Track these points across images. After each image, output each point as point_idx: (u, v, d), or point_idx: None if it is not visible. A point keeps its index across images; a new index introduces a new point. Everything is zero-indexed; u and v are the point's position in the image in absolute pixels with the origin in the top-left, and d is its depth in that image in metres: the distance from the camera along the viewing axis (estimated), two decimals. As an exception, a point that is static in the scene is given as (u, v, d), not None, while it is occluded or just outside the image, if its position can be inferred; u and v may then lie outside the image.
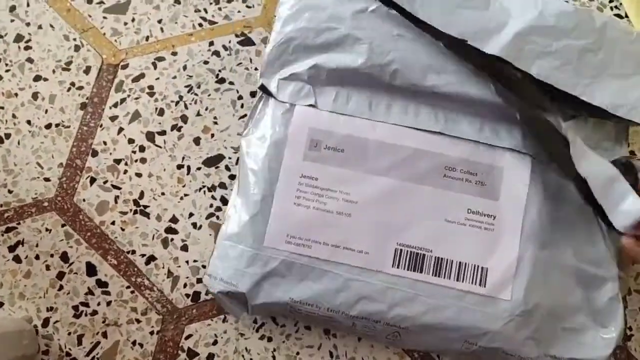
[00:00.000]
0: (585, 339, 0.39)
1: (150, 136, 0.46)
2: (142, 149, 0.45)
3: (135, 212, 0.45)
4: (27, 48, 0.47)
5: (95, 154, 0.45)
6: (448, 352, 0.40)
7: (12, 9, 0.47)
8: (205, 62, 0.47)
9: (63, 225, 0.44)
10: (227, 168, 0.45)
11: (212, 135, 0.46)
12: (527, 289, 0.38)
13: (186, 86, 0.47)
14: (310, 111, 0.40)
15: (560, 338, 0.39)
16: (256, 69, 0.47)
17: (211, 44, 0.47)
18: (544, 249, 0.39)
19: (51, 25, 0.47)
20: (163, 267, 0.44)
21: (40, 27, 0.47)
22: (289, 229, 0.39)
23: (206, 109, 0.46)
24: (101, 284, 0.44)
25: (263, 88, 0.40)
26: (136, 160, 0.45)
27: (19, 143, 0.45)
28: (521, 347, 0.39)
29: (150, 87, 0.46)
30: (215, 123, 0.46)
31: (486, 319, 0.38)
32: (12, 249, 0.44)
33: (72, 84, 0.46)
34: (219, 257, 0.40)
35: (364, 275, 0.38)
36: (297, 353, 0.43)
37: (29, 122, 0.46)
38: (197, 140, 0.46)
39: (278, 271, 0.39)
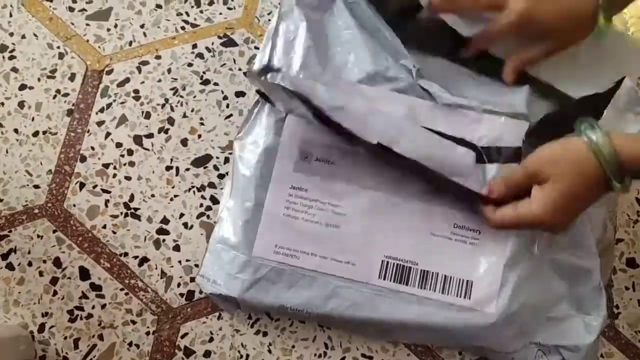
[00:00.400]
0: (569, 327, 0.40)
1: (137, 139, 0.46)
2: (130, 152, 0.46)
3: (126, 215, 0.45)
4: (11, 58, 0.47)
5: (83, 159, 0.46)
6: (438, 344, 0.42)
7: (-5, 19, 0.48)
8: (190, 65, 0.48)
9: (54, 231, 0.44)
10: (216, 167, 0.46)
11: (199, 136, 0.46)
12: (512, 296, 0.39)
13: (171, 89, 0.47)
14: (303, 122, 0.40)
15: (545, 326, 0.40)
16: (240, 69, 0.48)
17: (194, 46, 0.48)
18: (530, 255, 0.39)
19: (35, 34, 0.48)
20: (156, 268, 0.44)
21: (23, 36, 0.47)
22: (278, 239, 0.39)
23: (192, 111, 0.47)
24: (95, 287, 0.44)
25: (261, 93, 0.41)
26: (125, 164, 0.46)
27: (7, 152, 0.46)
28: (508, 343, 0.40)
29: (136, 91, 0.47)
30: (202, 124, 0.47)
31: (472, 325, 0.39)
32: (4, 256, 0.44)
33: (58, 91, 0.47)
34: (211, 259, 0.41)
35: (352, 284, 0.39)
36: (293, 346, 0.44)
37: (16, 130, 0.46)
38: (184, 142, 0.46)
39: (268, 278, 0.39)
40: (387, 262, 0.39)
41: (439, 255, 0.39)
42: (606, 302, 0.40)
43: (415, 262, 0.39)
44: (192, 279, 0.44)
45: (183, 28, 0.48)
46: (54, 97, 0.47)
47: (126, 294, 0.44)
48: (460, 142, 0.39)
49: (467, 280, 0.39)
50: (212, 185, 0.46)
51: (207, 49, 0.48)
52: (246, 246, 0.39)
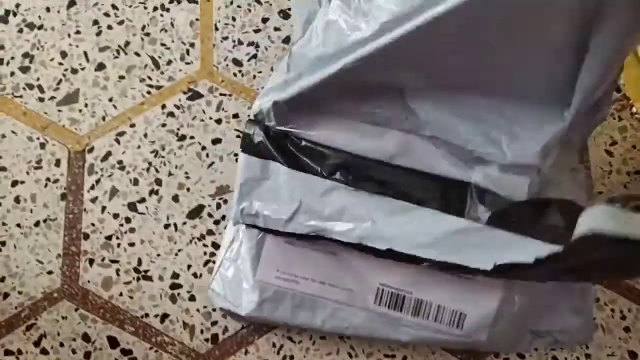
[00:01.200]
0: (560, 314, 0.42)
1: (132, 206, 0.49)
2: (128, 220, 0.49)
3: (138, 279, 0.48)
4: (-3, 158, 0.50)
5: (86, 237, 0.48)
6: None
7: (-27, 126, 0.50)
8: (163, 125, 0.50)
9: (76, 310, 0.47)
10: (210, 215, 0.49)
11: (188, 190, 0.49)
12: (505, 323, 0.41)
13: (152, 152, 0.50)
14: None
15: (538, 315, 0.42)
16: (210, 117, 0.50)
17: (163, 107, 0.51)
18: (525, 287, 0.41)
19: (13, 132, 0.50)
20: (177, 321, 0.47)
21: (3, 135, 0.50)
22: (279, 265, 0.41)
23: (176, 167, 0.50)
24: (126, 352, 0.47)
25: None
26: (126, 232, 0.48)
27: (15, 247, 0.48)
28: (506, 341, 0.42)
29: (120, 162, 0.50)
30: (188, 177, 0.49)
31: (467, 342, 0.41)
32: (36, 344, 0.47)
33: (48, 179, 0.49)
34: (220, 274, 0.43)
35: (349, 308, 0.42)
36: (319, 363, 0.47)
37: (18, 225, 0.49)
38: (175, 198, 0.49)
39: (273, 299, 0.42)
40: (382, 290, 0.41)
41: (433, 285, 0.41)
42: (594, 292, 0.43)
43: (410, 292, 0.41)
44: (213, 323, 0.47)
45: (149, 92, 0.51)
46: (45, 185, 0.49)
47: (156, 351, 0.47)
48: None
49: (461, 313, 0.41)
50: (210, 232, 0.48)
51: (176, 106, 0.51)
52: (251, 268, 0.42)
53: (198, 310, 0.47)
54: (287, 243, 0.41)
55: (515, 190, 0.38)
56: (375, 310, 0.41)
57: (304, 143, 0.40)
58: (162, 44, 0.52)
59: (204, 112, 0.51)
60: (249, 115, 0.43)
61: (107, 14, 0.53)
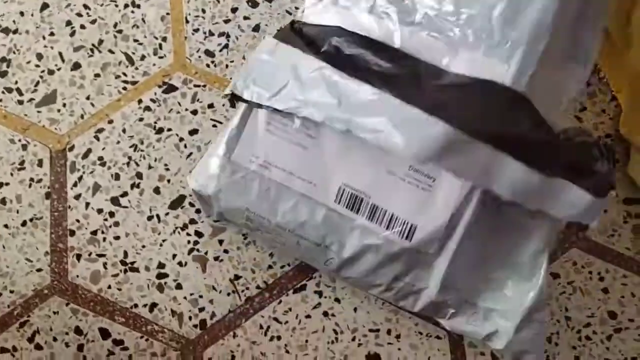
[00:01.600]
0: (506, 291, 0.42)
1: (115, 201, 0.50)
2: (112, 214, 0.50)
3: (125, 271, 0.49)
4: (-19, 162, 0.51)
5: (72, 233, 0.49)
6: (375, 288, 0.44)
7: (-44, 132, 0.52)
8: (141, 119, 0.51)
9: (67, 304, 0.48)
10: (191, 204, 0.50)
11: (169, 181, 0.50)
12: (454, 254, 0.40)
13: (131, 146, 0.51)
14: None
15: (483, 288, 0.42)
16: (186, 109, 0.51)
17: (140, 101, 0.52)
18: (481, 208, 0.40)
19: (-5, 135, 0.51)
20: (166, 309, 0.48)
21: (-15, 140, 0.51)
22: (255, 150, 0.42)
23: (155, 160, 0.51)
24: (117, 342, 0.48)
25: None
26: (110, 226, 0.50)
27: (3, 247, 0.49)
28: (445, 301, 0.42)
29: (100, 158, 0.51)
30: (167, 169, 0.50)
31: (412, 273, 0.42)
32: (30, 339, 0.48)
33: (32, 179, 0.50)
34: (202, 162, 0.44)
35: (310, 202, 0.42)
36: (306, 341, 0.48)
37: (6, 225, 0.50)
38: (157, 190, 0.50)
39: (240, 182, 0.42)
40: (344, 189, 0.42)
41: (390, 193, 0.41)
42: (546, 269, 0.41)
43: (368, 195, 0.41)
44: (201, 310, 0.48)
45: (125, 88, 0.52)
46: (30, 185, 0.50)
47: (147, 340, 0.48)
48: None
49: (412, 224, 0.41)
50: (192, 221, 0.50)
51: (152, 100, 0.52)
52: (227, 151, 0.42)
53: (185, 297, 0.49)
54: (267, 131, 0.42)
55: (495, 72, 0.40)
56: (335, 209, 0.42)
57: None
58: (135, 40, 0.53)
59: (179, 104, 0.52)
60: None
61: (79, 14, 0.53)
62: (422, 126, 0.39)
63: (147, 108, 0.52)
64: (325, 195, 0.42)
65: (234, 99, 0.44)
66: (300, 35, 0.44)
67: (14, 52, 0.53)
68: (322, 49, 0.42)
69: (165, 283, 0.49)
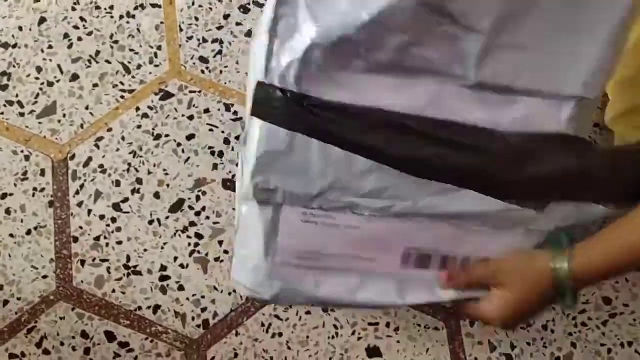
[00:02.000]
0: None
1: (116, 207, 0.51)
2: (113, 220, 0.51)
3: (128, 274, 0.50)
4: (-15, 174, 0.52)
5: (76, 240, 0.51)
6: None
7: (-40, 146, 0.53)
8: (139, 126, 0.53)
9: (73, 309, 0.50)
10: (190, 207, 0.51)
11: (168, 185, 0.51)
12: None
13: (130, 153, 0.52)
14: None
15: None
16: (183, 114, 0.53)
17: (137, 109, 0.53)
18: None
19: (-2, 147, 0.53)
20: (169, 311, 0.50)
21: (-11, 152, 0.53)
22: (298, 244, 0.39)
23: (154, 165, 0.52)
24: (123, 344, 0.49)
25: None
26: (112, 231, 0.51)
27: (9, 256, 0.51)
28: None
29: (101, 166, 0.52)
30: (166, 174, 0.52)
31: None
32: (38, 345, 0.49)
33: (35, 189, 0.52)
34: (239, 265, 0.41)
35: (374, 274, 0.40)
36: (307, 337, 0.49)
37: (11, 235, 0.51)
38: (156, 195, 0.51)
39: (294, 281, 0.40)
40: (409, 254, 0.40)
41: (457, 240, 0.40)
42: None
43: (435, 250, 0.40)
44: (203, 310, 0.49)
45: (122, 97, 0.53)
46: (33, 195, 0.52)
47: (151, 341, 0.49)
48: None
49: None
50: (192, 223, 0.51)
51: (149, 107, 0.53)
52: (268, 253, 0.39)
53: (187, 298, 0.50)
54: (304, 221, 0.39)
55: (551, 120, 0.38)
56: (403, 273, 0.40)
57: (328, 107, 0.37)
58: (131, 49, 0.54)
59: (176, 110, 0.53)
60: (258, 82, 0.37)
61: (76, 27, 0.55)
62: None
63: (145, 115, 0.53)
64: (389, 264, 0.40)
65: (260, 204, 0.39)
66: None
67: (14, 66, 0.54)
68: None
69: (168, 285, 0.50)
